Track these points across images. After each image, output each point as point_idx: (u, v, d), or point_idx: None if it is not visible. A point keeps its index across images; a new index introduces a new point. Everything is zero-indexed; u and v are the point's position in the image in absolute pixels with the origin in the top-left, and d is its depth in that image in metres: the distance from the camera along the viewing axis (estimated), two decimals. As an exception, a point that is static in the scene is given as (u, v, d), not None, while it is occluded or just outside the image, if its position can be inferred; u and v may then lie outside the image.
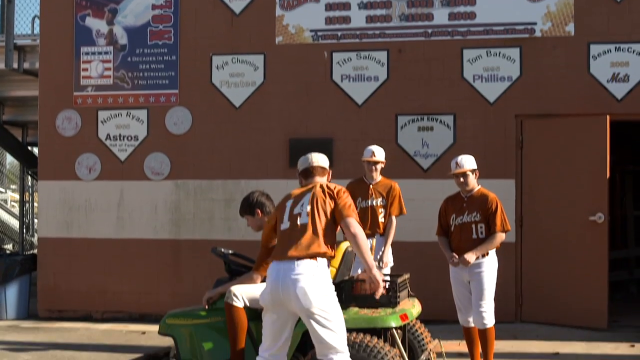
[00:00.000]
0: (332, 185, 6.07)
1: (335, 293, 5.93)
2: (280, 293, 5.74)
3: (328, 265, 5.92)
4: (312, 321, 5.74)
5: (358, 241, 5.78)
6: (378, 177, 9.01)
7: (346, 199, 5.95)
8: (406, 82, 11.23)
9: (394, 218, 9.01)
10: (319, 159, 6.27)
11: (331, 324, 5.76)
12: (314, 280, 5.72)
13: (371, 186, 8.98)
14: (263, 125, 11.55)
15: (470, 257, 7.73)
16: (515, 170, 10.89)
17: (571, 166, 10.60)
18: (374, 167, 8.95)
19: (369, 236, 8.20)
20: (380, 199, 8.95)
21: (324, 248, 5.82)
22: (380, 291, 5.82)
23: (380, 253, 8.88)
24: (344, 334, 5.84)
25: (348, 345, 5.98)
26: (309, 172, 6.23)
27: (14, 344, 10.12)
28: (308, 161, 6.26)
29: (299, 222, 5.89)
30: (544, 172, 10.79)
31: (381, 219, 8.94)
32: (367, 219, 8.83)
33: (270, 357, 5.94)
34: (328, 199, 5.94)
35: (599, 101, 10.74)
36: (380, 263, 8.80)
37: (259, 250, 6.75)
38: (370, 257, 5.81)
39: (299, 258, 5.76)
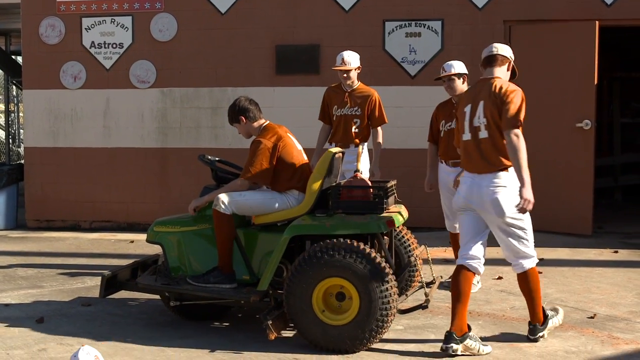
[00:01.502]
0: (503, 87, 6.01)
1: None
2: (474, 201, 6.06)
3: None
4: (502, 230, 6.04)
5: (516, 155, 5.83)
6: (355, 84, 8.47)
7: (512, 108, 5.89)
8: (394, -13, 11.09)
9: (379, 129, 8.49)
10: (502, 47, 6.29)
11: (521, 232, 6.06)
12: (505, 191, 5.94)
13: (347, 94, 8.45)
14: (249, 32, 11.42)
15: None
16: (503, 77, 10.83)
17: (559, 72, 10.56)
18: (345, 75, 8.37)
19: (342, 147, 8.13)
20: (355, 108, 8.40)
21: (508, 159, 5.96)
22: (529, 208, 5.89)
23: (368, 165, 8.64)
24: (532, 239, 6.13)
25: (334, 250, 6.03)
26: (490, 60, 6.24)
27: (3, 253, 10.17)
28: (491, 49, 6.28)
29: (480, 136, 6.04)
30: (531, 78, 10.72)
31: (354, 129, 8.39)
32: (340, 128, 8.43)
33: (471, 254, 6.17)
34: (498, 106, 5.95)
35: (588, 6, 10.64)
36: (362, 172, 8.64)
37: (257, 156, 6.64)
38: (525, 174, 5.81)
39: (491, 171, 5.97)
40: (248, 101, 6.96)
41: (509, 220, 5.99)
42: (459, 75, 7.92)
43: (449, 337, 5.94)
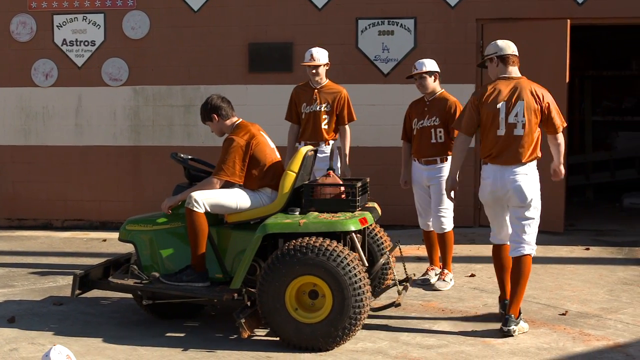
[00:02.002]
0: (542, 93, 6.52)
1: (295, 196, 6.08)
2: (499, 192, 6.49)
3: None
4: (520, 214, 6.48)
5: (561, 149, 6.60)
6: (323, 80, 8.49)
7: (557, 112, 6.53)
8: (367, -15, 11.09)
9: (347, 127, 8.52)
10: (514, 46, 6.68)
11: (534, 219, 6.52)
12: (527, 178, 6.43)
13: (316, 91, 8.48)
14: (222, 30, 11.38)
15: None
16: (475, 74, 10.88)
17: (531, 71, 10.46)
18: (314, 72, 8.41)
19: (312, 144, 8.12)
20: (324, 105, 8.41)
21: (535, 154, 6.50)
22: (562, 177, 6.76)
23: (339, 164, 8.61)
24: (536, 231, 6.57)
25: (307, 249, 6.03)
26: (508, 59, 6.65)
27: (-27, 252, 10.10)
28: (511, 48, 6.65)
29: (515, 133, 6.43)
30: (504, 77, 10.77)
31: (324, 126, 8.41)
32: (310, 125, 8.43)
33: (503, 239, 6.73)
34: (539, 110, 6.46)
35: (560, 5, 10.70)
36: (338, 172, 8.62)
37: (230, 154, 6.66)
38: (562, 158, 6.60)
39: (514, 164, 6.43)
40: (220, 99, 6.95)
41: (528, 205, 6.44)
42: (431, 73, 7.95)
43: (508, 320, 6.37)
